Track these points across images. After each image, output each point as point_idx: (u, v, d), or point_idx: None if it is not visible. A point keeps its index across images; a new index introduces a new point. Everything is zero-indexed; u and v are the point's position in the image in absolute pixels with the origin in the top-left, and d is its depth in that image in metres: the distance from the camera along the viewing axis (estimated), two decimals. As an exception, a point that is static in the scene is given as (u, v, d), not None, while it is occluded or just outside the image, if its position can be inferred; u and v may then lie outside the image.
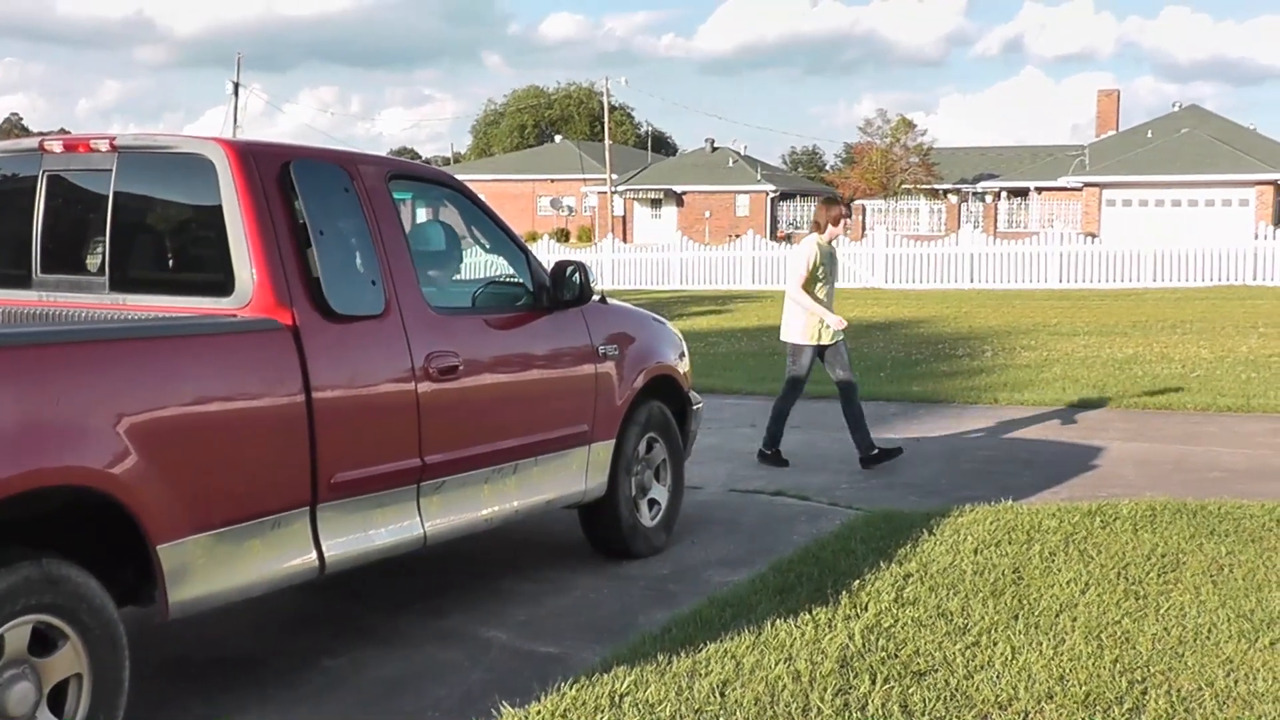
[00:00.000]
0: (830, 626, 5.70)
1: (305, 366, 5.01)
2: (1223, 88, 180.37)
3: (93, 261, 5.70)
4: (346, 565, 5.29)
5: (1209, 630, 5.62)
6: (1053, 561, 6.73)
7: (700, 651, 5.38)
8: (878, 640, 5.50)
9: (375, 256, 5.54)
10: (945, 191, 65.09)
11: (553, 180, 71.95)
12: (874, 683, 5.01)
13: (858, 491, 8.97)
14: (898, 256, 35.07)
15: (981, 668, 5.18)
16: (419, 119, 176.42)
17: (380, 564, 5.60)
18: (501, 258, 6.77)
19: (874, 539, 7.25)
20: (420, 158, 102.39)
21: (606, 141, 66.61)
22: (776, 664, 5.22)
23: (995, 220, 56.53)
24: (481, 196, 6.87)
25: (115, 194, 5.41)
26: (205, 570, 4.61)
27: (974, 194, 64.36)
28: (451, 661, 5.57)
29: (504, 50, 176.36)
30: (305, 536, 5.04)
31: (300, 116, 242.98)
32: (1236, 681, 5.03)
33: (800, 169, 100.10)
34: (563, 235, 56.59)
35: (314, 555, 5.08)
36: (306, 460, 5.01)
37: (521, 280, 6.67)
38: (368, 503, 5.35)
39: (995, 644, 5.45)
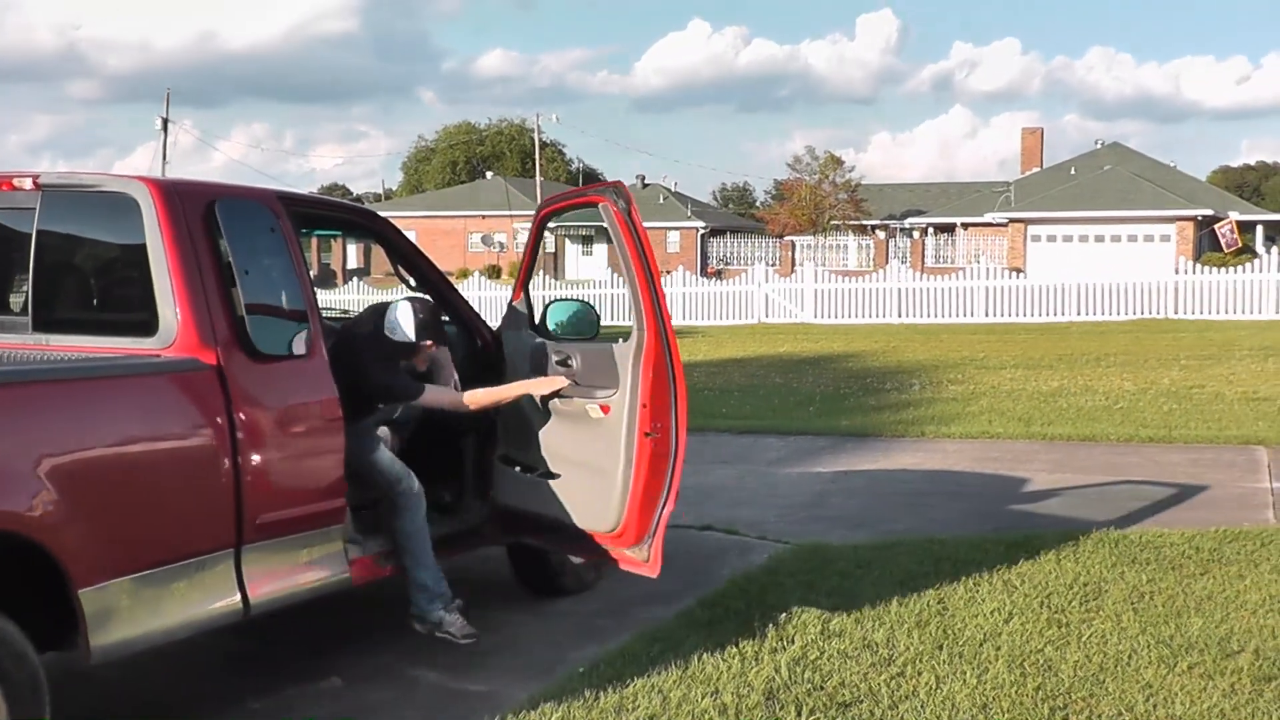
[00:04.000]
0: (757, 659, 5.74)
1: (230, 407, 4.99)
2: (1146, 125, 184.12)
3: (15, 301, 5.66)
4: (272, 607, 5.26)
5: (1129, 656, 5.72)
6: (977, 592, 6.82)
7: (628, 687, 5.40)
8: (804, 672, 5.55)
9: (301, 295, 5.54)
10: (874, 227, 65.75)
11: (484, 217, 71.97)
12: (800, 715, 5.06)
13: (786, 525, 9.03)
14: (826, 292, 35.35)
15: (906, 698, 5.25)
16: (352, 155, 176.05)
17: (307, 604, 5.58)
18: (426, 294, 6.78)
19: (801, 572, 7.31)
20: (352, 194, 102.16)
21: (537, 178, 66.80)
22: (703, 698, 5.25)
23: (923, 256, 57.17)
24: (408, 233, 6.89)
25: (39, 233, 5.39)
26: (129, 614, 4.57)
27: (902, 230, 65.10)
28: (382, 702, 5.55)
29: (438, 86, 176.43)
30: (229, 578, 5.01)
31: (232, 152, 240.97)
32: (1156, 706, 5.13)
33: (731, 205, 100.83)
34: (494, 271, 56.52)
35: (238, 597, 5.05)
36: (231, 501, 4.99)
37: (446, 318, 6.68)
38: (293, 543, 5.33)
39: (920, 674, 5.52)
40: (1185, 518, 8.86)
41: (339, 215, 7.92)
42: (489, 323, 7.16)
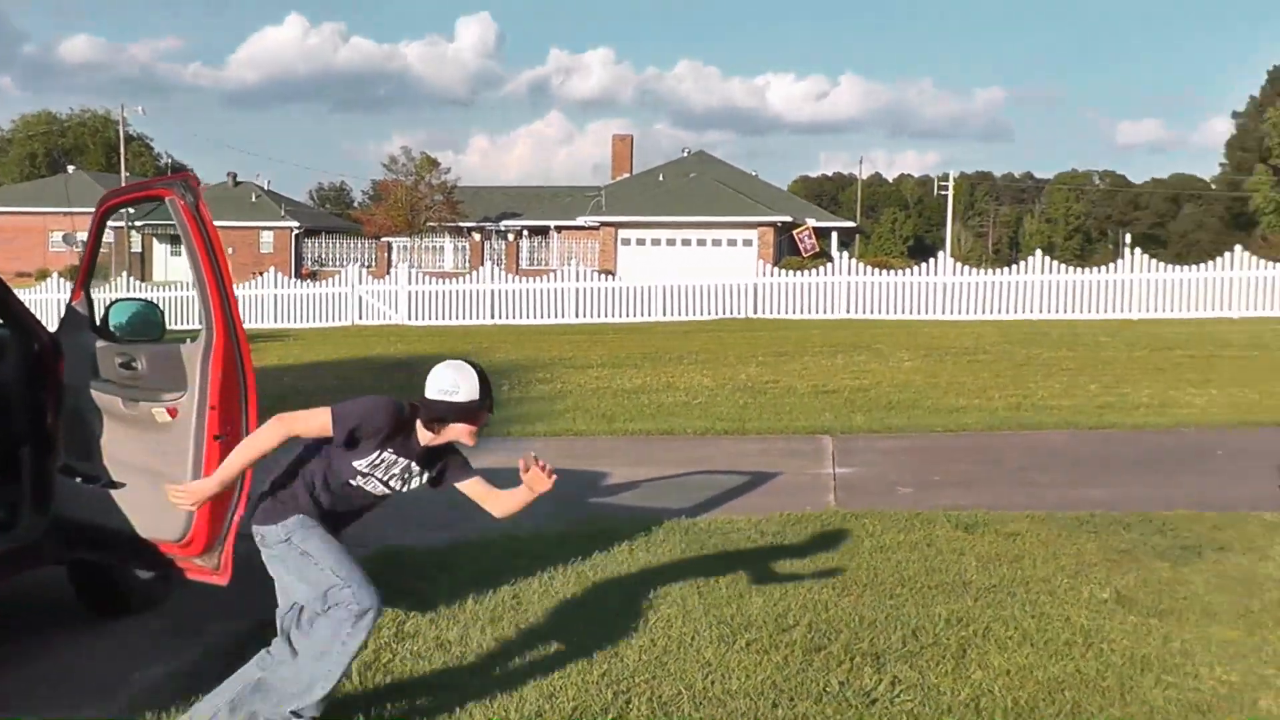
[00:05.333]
0: (328, 665, 5.59)
1: None
2: (733, 136, 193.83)
3: None
4: None
5: (692, 638, 5.93)
6: (552, 585, 6.92)
7: (193, 706, 5.14)
8: (375, 676, 5.46)
9: None
10: (470, 229, 66.09)
11: (67, 214, 67.71)
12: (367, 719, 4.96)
13: (365, 531, 8.82)
14: (421, 294, 35.22)
15: (475, 695, 5.24)
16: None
17: None
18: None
19: (380, 577, 7.13)
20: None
21: (123, 173, 63.44)
22: (269, 708, 5.06)
23: (517, 258, 57.97)
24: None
25: None
26: None
27: (497, 232, 65.73)
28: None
29: (16, 72, 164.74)
30: None
31: None
32: (714, 682, 5.33)
33: (328, 205, 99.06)
34: (76, 273, 53.38)
35: None
36: None
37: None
38: None
39: (492, 670, 5.53)
40: (754, 504, 9.30)
41: None
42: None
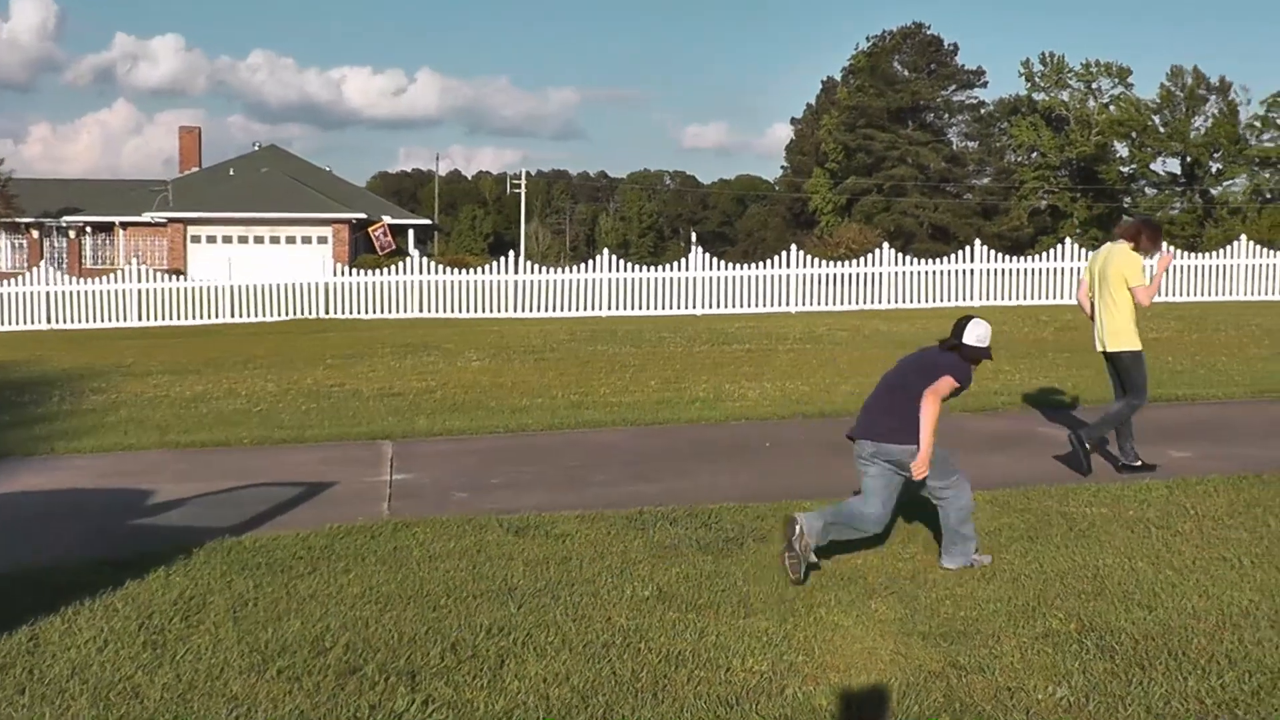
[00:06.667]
0: None
1: None
2: (311, 130, 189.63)
3: None
4: None
5: (221, 669, 5.67)
6: (75, 621, 6.45)
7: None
8: None
9: None
10: (28, 225, 61.65)
11: None
12: None
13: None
14: (-33, 298, 32.63)
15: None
16: None
17: None
18: None
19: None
20: None
21: None
22: None
23: (81, 256, 54.64)
24: None
25: None
26: None
27: (58, 229, 61.61)
28: None
29: None
30: None
31: None
32: (239, 718, 5.10)
33: None
34: None
35: None
36: None
37: None
38: None
39: (-7, 721, 5.11)
40: (305, 517, 9.04)
41: None
42: None
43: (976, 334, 7.38)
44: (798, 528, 7.12)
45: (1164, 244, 10.62)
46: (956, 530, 7.42)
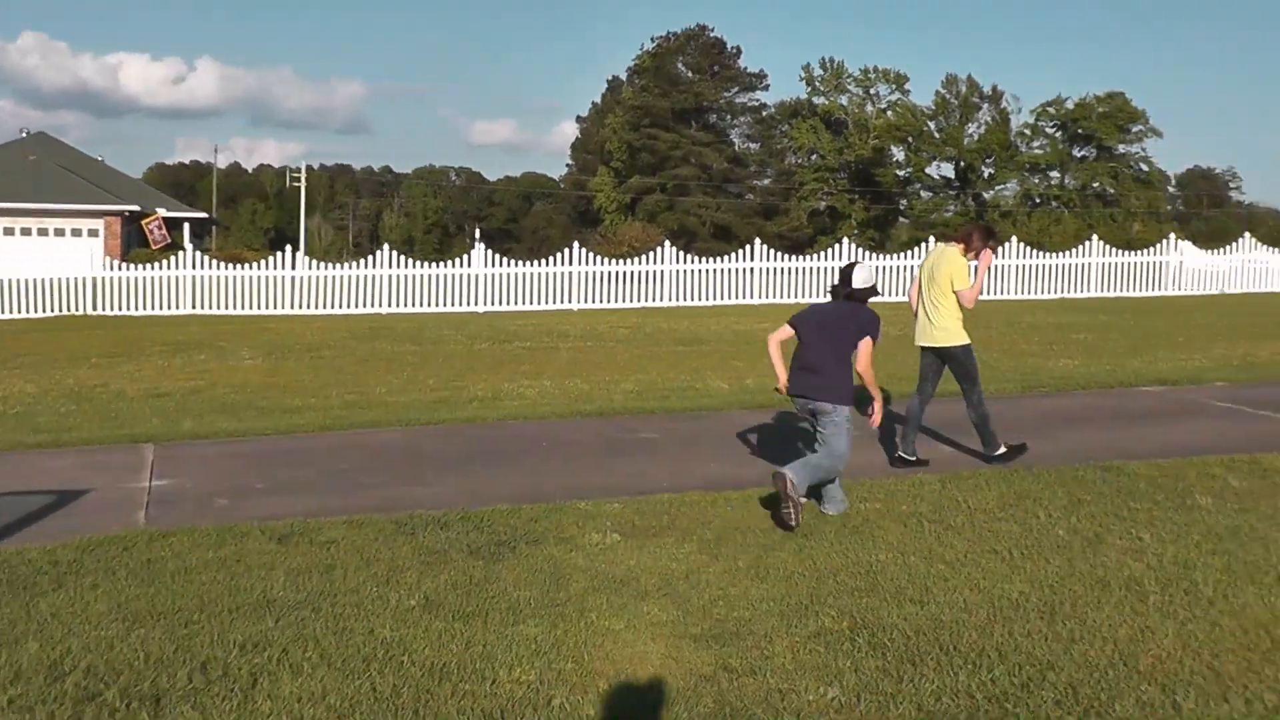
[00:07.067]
0: None
1: None
2: (86, 118, 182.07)
3: None
4: None
5: (-54, 701, 5.28)
6: None
7: None
8: None
9: None
10: None
11: None
12: None
13: None
14: None
15: None
16: None
17: None
18: None
19: None
20: None
21: None
22: None
23: None
24: None
25: None
26: None
27: None
28: None
29: None
30: None
31: None
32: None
33: None
34: None
35: None
36: None
37: None
38: None
39: None
40: (55, 528, 8.54)
41: None
42: None
43: (862, 277, 8.96)
44: (788, 481, 7.97)
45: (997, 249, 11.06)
46: (818, 465, 8.31)
